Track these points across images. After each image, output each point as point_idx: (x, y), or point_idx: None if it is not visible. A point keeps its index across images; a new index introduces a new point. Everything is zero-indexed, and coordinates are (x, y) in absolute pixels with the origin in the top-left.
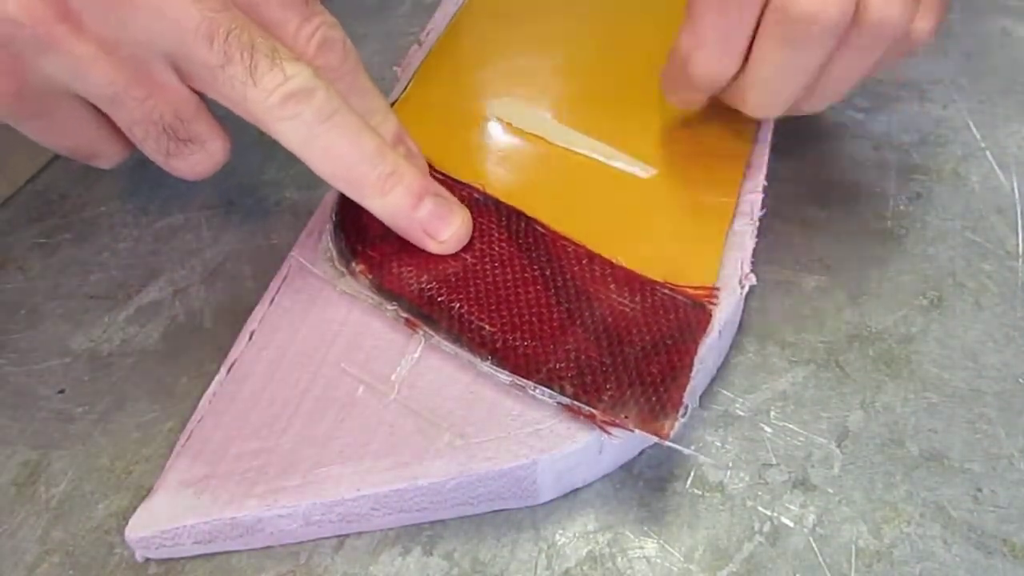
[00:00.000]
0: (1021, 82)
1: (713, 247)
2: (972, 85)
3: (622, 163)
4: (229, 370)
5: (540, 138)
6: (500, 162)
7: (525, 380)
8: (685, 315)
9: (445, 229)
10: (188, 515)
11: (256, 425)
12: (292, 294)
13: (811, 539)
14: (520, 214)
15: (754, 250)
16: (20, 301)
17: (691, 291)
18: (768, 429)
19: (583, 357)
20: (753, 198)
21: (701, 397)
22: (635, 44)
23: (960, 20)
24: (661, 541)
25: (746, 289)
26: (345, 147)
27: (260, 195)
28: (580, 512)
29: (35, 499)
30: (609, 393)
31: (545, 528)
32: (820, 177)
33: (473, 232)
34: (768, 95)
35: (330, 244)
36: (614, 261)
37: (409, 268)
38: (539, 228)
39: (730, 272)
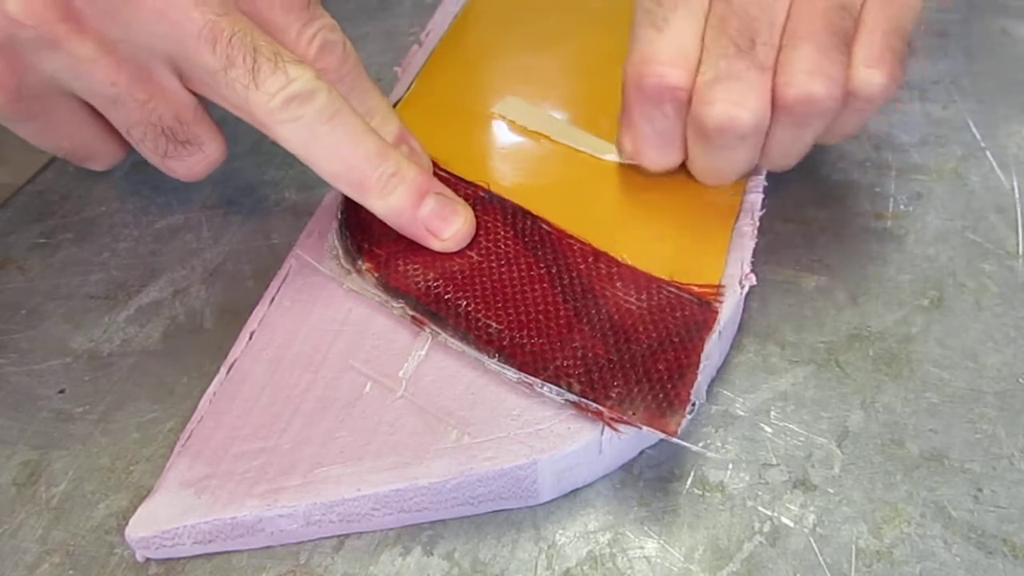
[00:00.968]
0: (1021, 82)
1: (718, 246)
2: (972, 85)
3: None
4: (229, 370)
5: (544, 137)
6: (505, 161)
7: (532, 377)
8: (691, 313)
9: (447, 228)
10: (188, 515)
11: (256, 425)
12: (292, 294)
13: (811, 539)
14: (526, 212)
15: (754, 250)
16: (20, 301)
17: (697, 289)
18: (768, 429)
19: (590, 354)
20: (753, 198)
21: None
22: None
23: (960, 20)
24: (661, 541)
25: (746, 289)
26: (347, 148)
27: (260, 195)
28: (580, 512)
29: (35, 499)
30: (616, 390)
31: (545, 528)
32: (820, 177)
33: (479, 230)
34: (714, 178)
35: (336, 242)
36: (620, 259)
37: (416, 266)
38: (545, 226)
39: (730, 272)
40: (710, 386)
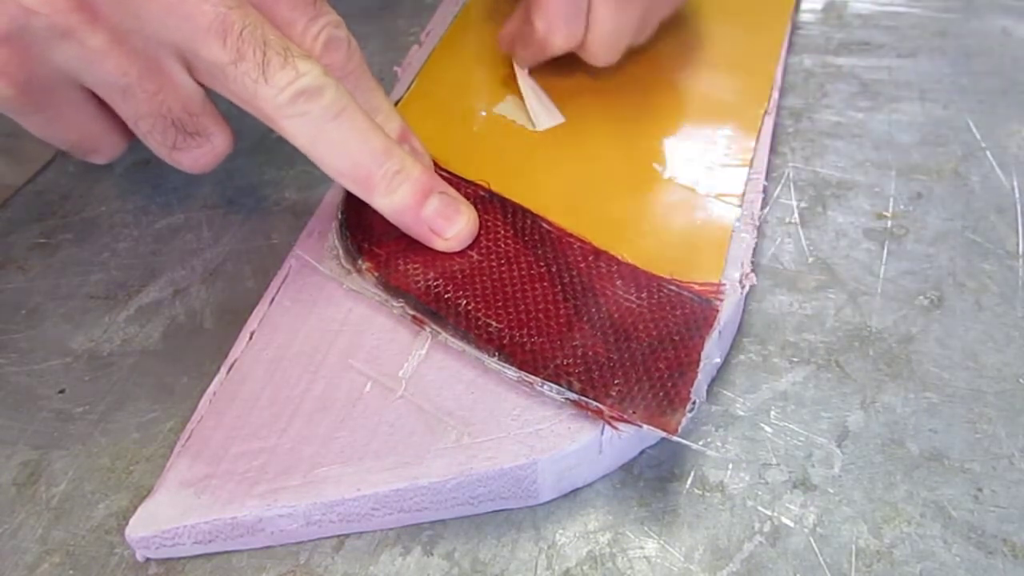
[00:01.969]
0: (1021, 82)
1: (718, 244)
2: (972, 85)
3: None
4: (229, 370)
5: (545, 136)
6: (505, 160)
7: (532, 376)
8: (692, 311)
9: (451, 227)
10: (188, 515)
11: (256, 425)
12: (292, 294)
13: (811, 539)
14: (526, 211)
15: (754, 250)
16: (20, 301)
17: (697, 287)
18: (768, 429)
19: (590, 353)
20: (753, 198)
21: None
22: (640, 46)
23: (960, 20)
24: (661, 541)
25: (746, 289)
26: (353, 145)
27: (260, 195)
28: (580, 512)
29: (35, 499)
30: (617, 388)
31: (545, 528)
32: (820, 177)
33: (479, 229)
34: (609, 47)
35: (336, 242)
36: (620, 258)
37: (416, 265)
38: (545, 225)
39: (730, 272)
40: (710, 386)
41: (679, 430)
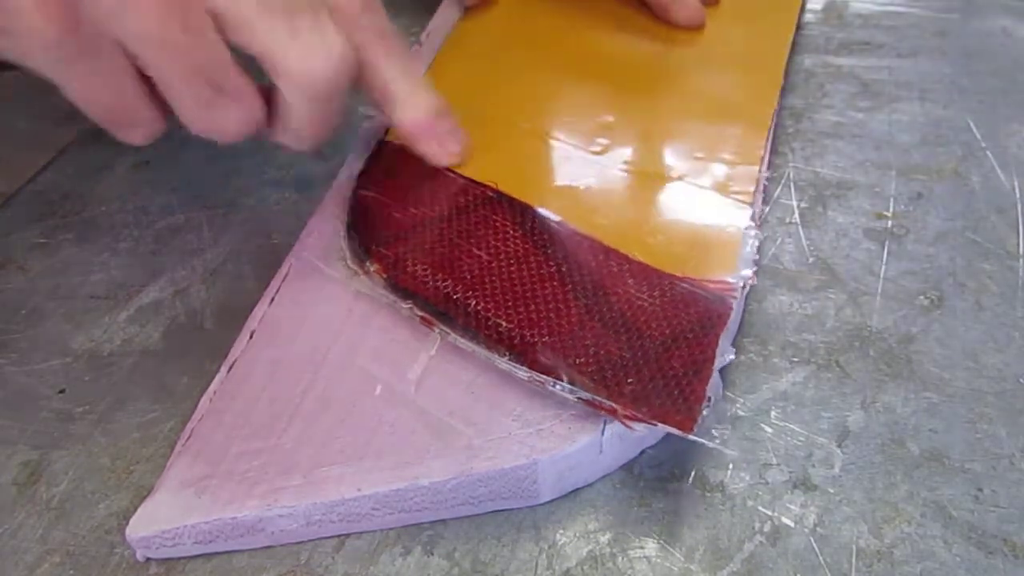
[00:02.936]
0: (1021, 82)
1: (729, 242)
2: (972, 85)
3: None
4: (230, 369)
5: (552, 137)
6: (513, 161)
7: (544, 376)
8: (706, 308)
9: (457, 143)
10: (189, 515)
11: (257, 425)
12: (293, 293)
13: (811, 539)
14: (534, 211)
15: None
16: (21, 301)
17: (710, 285)
18: (769, 429)
19: (602, 352)
20: (754, 199)
21: None
22: (647, 42)
23: (960, 20)
24: (662, 541)
25: (747, 289)
26: (373, 73)
27: (260, 195)
28: (581, 512)
29: (36, 499)
30: (630, 387)
31: (546, 528)
32: (820, 177)
33: (488, 230)
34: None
35: (343, 244)
36: (631, 256)
37: (424, 266)
38: (554, 225)
39: (742, 269)
40: None
41: (695, 428)
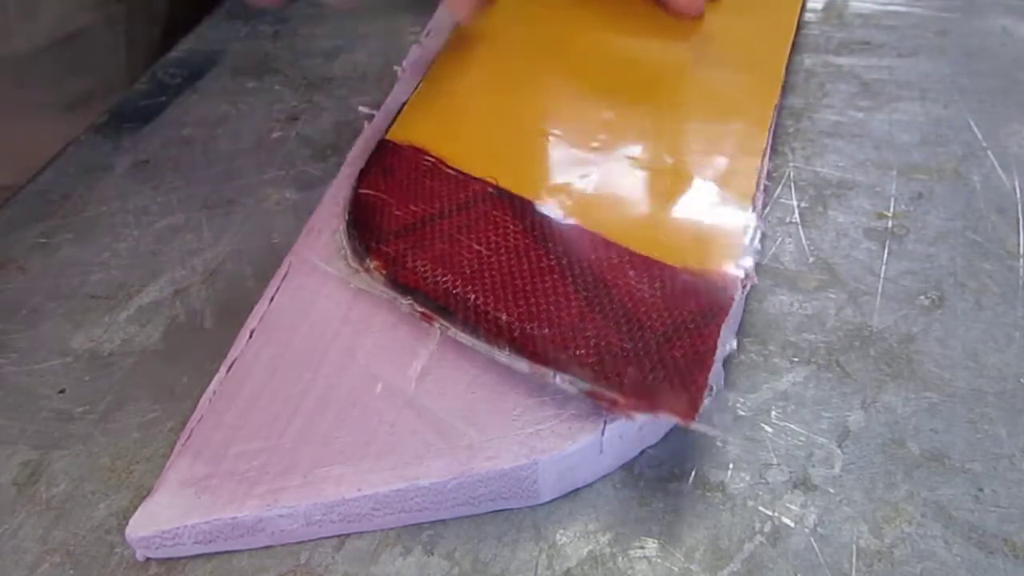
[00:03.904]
0: (1022, 81)
1: (731, 235)
2: (973, 84)
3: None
4: (229, 369)
5: (553, 132)
6: (513, 156)
7: (544, 368)
8: (707, 299)
9: None
10: (188, 515)
11: (257, 424)
12: (292, 292)
13: (812, 539)
14: (534, 206)
15: (754, 250)
16: (21, 301)
17: (712, 276)
18: (769, 429)
19: (603, 343)
20: (755, 197)
21: None
22: (648, 38)
23: (960, 20)
24: (662, 541)
25: (747, 289)
26: None
27: (260, 195)
28: (581, 512)
29: (36, 499)
30: (631, 377)
31: (546, 528)
32: (820, 177)
33: (487, 225)
34: None
35: (344, 242)
36: (631, 249)
37: (424, 262)
38: (554, 219)
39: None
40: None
41: (696, 418)
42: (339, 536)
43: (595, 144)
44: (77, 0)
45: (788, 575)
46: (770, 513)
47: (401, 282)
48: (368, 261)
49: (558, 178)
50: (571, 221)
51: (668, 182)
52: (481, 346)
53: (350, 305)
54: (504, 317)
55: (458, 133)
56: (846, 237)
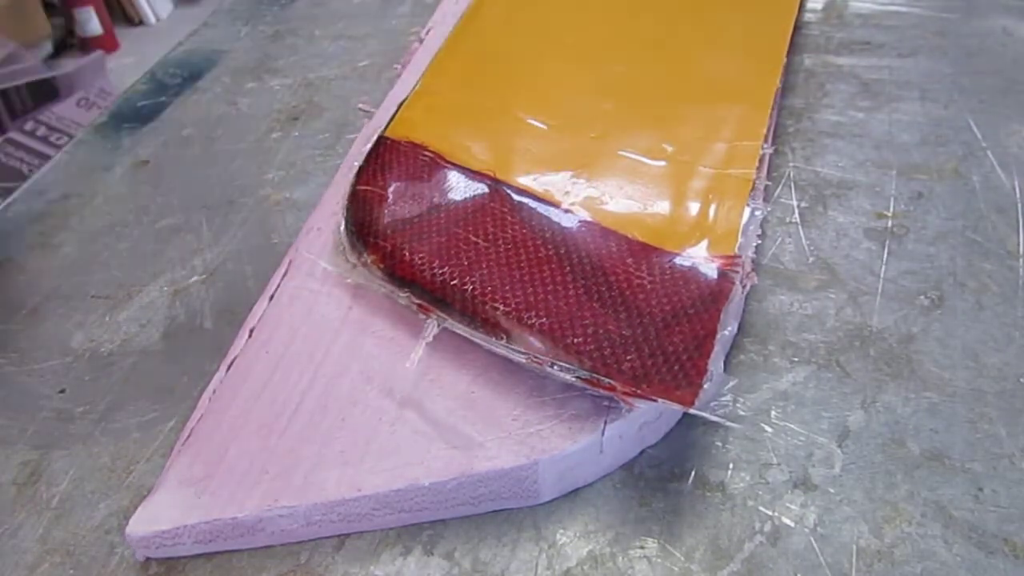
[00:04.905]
0: (1021, 82)
1: (732, 217)
2: (973, 85)
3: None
4: (229, 368)
5: (553, 123)
6: (512, 150)
7: (541, 357)
8: (707, 284)
9: None
10: (189, 515)
11: (257, 424)
12: (292, 291)
13: (812, 539)
14: (532, 197)
15: (755, 250)
16: (21, 301)
17: (713, 261)
18: (769, 429)
19: (601, 331)
20: (755, 195)
21: None
22: (649, 25)
23: (960, 20)
24: (662, 540)
25: (747, 289)
26: None
27: (260, 195)
28: (581, 512)
29: (36, 499)
30: (629, 364)
31: (546, 528)
32: (820, 177)
33: (485, 217)
34: None
35: (343, 239)
36: (629, 236)
37: (421, 255)
38: (552, 209)
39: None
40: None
41: (696, 403)
42: (339, 536)
43: (593, 134)
44: None
45: (788, 575)
46: (770, 513)
47: (398, 274)
48: (365, 255)
49: (556, 168)
50: (569, 211)
51: (667, 169)
52: (479, 337)
53: (350, 305)
54: (501, 307)
55: (456, 128)
56: (846, 237)
